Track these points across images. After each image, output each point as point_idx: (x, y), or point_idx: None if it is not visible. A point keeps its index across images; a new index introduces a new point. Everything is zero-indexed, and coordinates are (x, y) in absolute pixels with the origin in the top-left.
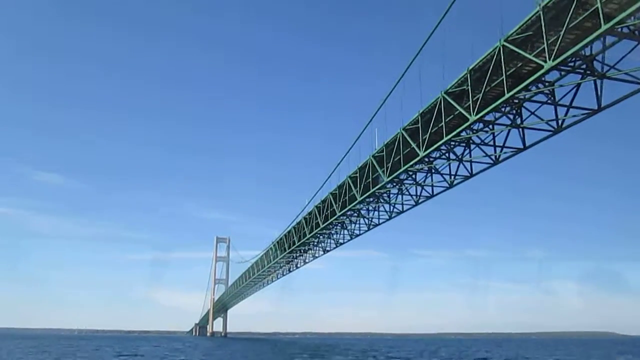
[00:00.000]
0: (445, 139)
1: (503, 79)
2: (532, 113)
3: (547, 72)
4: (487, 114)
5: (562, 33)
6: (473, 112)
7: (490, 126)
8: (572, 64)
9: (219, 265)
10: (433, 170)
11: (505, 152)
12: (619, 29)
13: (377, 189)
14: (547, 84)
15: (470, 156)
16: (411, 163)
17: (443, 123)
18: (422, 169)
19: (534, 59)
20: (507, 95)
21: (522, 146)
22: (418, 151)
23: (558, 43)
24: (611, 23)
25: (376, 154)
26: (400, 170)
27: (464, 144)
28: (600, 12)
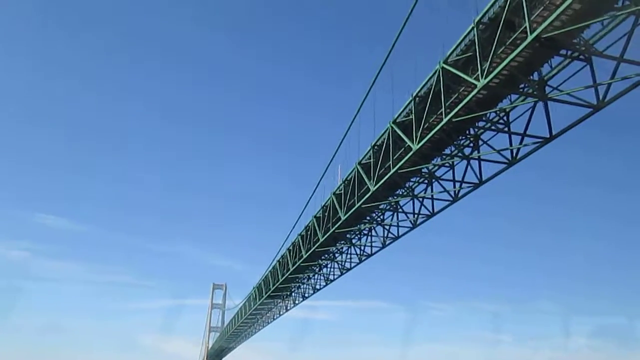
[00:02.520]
0: (392, 171)
1: (442, 105)
2: (485, 142)
3: (486, 93)
4: (427, 142)
5: (492, 49)
6: (416, 141)
7: (449, 160)
8: (523, 88)
9: (215, 312)
10: (399, 209)
11: (464, 188)
12: (565, 52)
13: (334, 230)
14: (500, 112)
15: (432, 192)
16: (363, 199)
17: (390, 155)
18: (379, 207)
19: (468, 78)
20: (444, 120)
21: (477, 181)
22: (370, 186)
23: (489, 61)
24: (534, 34)
25: (336, 192)
26: (354, 208)
27: (426, 181)
28: (528, 26)
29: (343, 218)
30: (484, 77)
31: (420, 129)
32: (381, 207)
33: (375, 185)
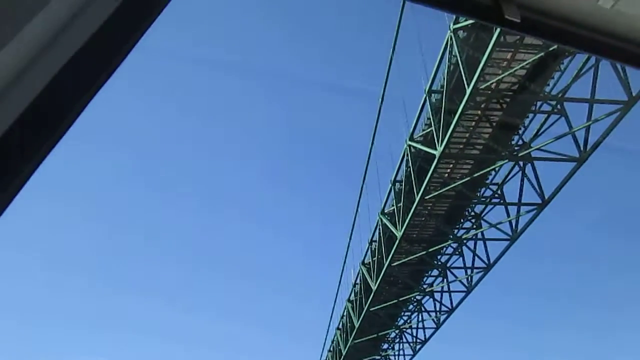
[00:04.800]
0: (385, 265)
1: (413, 183)
2: (482, 218)
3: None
4: (408, 227)
5: (441, 114)
6: (399, 227)
7: (451, 244)
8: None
9: None
10: (422, 310)
11: (476, 273)
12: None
13: (352, 341)
14: (492, 185)
15: (447, 282)
16: (369, 301)
17: (383, 247)
18: (401, 308)
19: (427, 149)
20: (417, 200)
21: (485, 264)
22: (371, 285)
23: (448, 130)
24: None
25: (350, 298)
26: (363, 313)
27: (437, 273)
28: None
29: (357, 326)
30: (440, 144)
31: (410, 213)
32: (409, 307)
33: (376, 283)
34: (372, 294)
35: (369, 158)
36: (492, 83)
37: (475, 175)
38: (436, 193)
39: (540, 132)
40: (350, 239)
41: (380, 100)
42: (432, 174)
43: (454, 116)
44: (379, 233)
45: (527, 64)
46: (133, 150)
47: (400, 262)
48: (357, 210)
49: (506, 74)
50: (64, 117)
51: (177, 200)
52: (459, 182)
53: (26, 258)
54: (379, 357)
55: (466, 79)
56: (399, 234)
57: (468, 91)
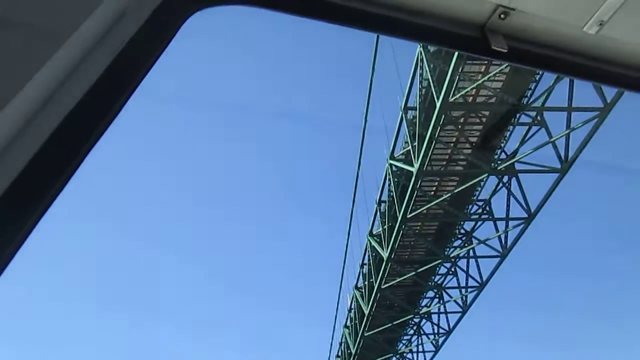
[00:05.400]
0: (375, 287)
1: (394, 199)
2: (471, 234)
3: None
4: (394, 246)
5: (416, 130)
6: (386, 248)
7: (453, 266)
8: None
9: None
10: (421, 333)
11: (470, 292)
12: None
13: None
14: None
15: (442, 302)
16: (363, 325)
17: (372, 270)
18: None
19: (404, 166)
20: (399, 218)
21: (478, 283)
22: (364, 309)
23: (423, 146)
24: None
25: (347, 324)
26: (359, 337)
27: (432, 295)
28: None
29: (353, 352)
30: (417, 161)
31: (394, 233)
32: (407, 331)
33: (368, 307)
34: (366, 318)
35: (356, 180)
36: (466, 96)
37: (458, 190)
38: (418, 211)
39: (522, 145)
40: (344, 262)
41: (363, 120)
42: (415, 192)
43: (427, 132)
44: (369, 255)
45: (501, 76)
46: None
47: (391, 284)
48: (349, 234)
49: (474, 85)
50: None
51: None
52: (440, 199)
53: None
54: None
55: (435, 93)
56: (385, 255)
57: (438, 104)
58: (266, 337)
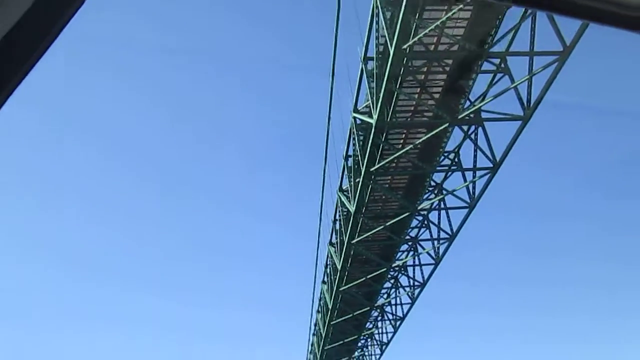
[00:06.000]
0: (345, 241)
1: (359, 156)
2: (441, 186)
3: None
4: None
5: (374, 81)
6: (353, 203)
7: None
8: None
9: None
10: (398, 285)
11: (442, 242)
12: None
13: (329, 323)
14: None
15: (420, 261)
16: (337, 279)
17: (342, 225)
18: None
19: (364, 118)
20: (362, 172)
21: (448, 234)
22: (337, 264)
23: (380, 97)
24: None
25: (324, 280)
26: (333, 294)
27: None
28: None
29: (330, 307)
30: (375, 112)
31: (359, 187)
32: (384, 285)
33: (340, 262)
34: (339, 273)
35: (327, 135)
36: (428, 45)
37: (421, 141)
38: (382, 164)
39: (486, 93)
40: (320, 220)
41: (331, 74)
42: (381, 146)
43: (383, 82)
44: (340, 211)
45: (463, 22)
46: None
47: (360, 239)
48: (323, 189)
49: (431, 27)
50: None
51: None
52: (403, 151)
53: None
54: (361, 337)
55: (389, 40)
56: (352, 209)
57: (391, 51)
58: (251, 295)
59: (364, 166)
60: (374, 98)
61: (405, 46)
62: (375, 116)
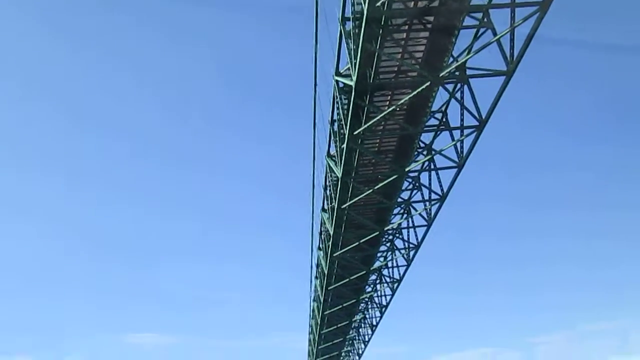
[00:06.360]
0: (335, 207)
1: (342, 120)
2: (430, 147)
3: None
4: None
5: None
6: (339, 167)
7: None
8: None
9: None
10: (394, 249)
11: (433, 203)
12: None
13: (326, 288)
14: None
15: (414, 223)
16: (330, 246)
17: (331, 191)
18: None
19: (345, 81)
20: (346, 135)
21: (439, 195)
22: (330, 230)
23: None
24: None
25: (320, 246)
26: (328, 259)
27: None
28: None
29: (326, 272)
30: (354, 74)
31: (344, 150)
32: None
33: (332, 228)
34: (332, 238)
35: (314, 101)
36: (407, 2)
37: (402, 101)
38: (365, 126)
39: (470, 48)
40: (313, 186)
41: (314, 37)
42: (364, 108)
43: (360, 40)
44: (329, 177)
45: None
46: None
47: (349, 203)
48: (314, 156)
49: None
50: None
51: None
52: (386, 112)
53: None
54: (361, 300)
55: None
56: (339, 173)
57: (365, 7)
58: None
59: (348, 129)
60: (354, 60)
61: (379, 3)
62: (354, 78)
